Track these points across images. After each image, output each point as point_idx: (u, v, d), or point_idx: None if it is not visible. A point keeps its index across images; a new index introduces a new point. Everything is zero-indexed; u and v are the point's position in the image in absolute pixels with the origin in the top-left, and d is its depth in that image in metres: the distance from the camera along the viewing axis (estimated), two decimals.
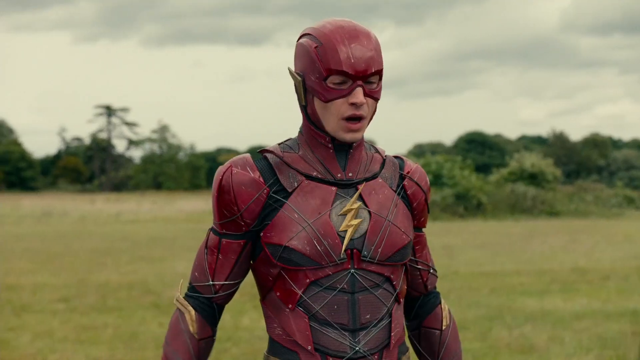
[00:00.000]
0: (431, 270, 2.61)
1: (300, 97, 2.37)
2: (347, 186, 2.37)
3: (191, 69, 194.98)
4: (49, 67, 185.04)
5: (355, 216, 2.34)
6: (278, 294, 2.37)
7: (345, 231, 2.32)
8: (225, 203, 2.37)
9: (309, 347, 2.33)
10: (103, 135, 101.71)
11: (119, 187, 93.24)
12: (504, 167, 47.98)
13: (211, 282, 2.43)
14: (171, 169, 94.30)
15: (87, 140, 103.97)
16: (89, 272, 16.26)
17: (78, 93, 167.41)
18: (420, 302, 2.64)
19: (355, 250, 2.33)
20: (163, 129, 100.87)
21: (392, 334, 2.38)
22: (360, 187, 2.37)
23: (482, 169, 66.47)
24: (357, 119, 2.30)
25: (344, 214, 2.33)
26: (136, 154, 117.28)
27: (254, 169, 2.36)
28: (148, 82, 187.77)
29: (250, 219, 2.36)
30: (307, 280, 2.32)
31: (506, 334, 9.68)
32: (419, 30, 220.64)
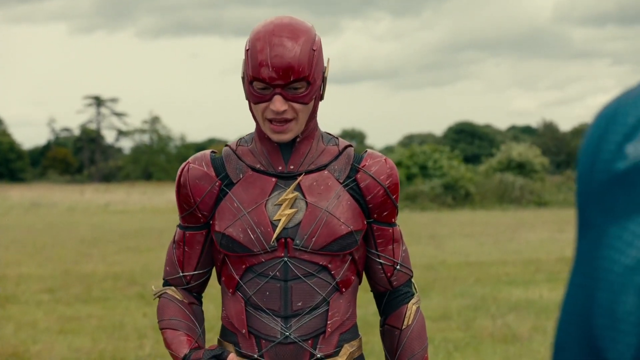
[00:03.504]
0: (397, 267, 2.60)
1: (244, 93, 2.45)
2: (289, 178, 2.45)
3: (186, 61, 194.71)
4: (43, 59, 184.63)
5: (291, 206, 2.42)
6: (223, 278, 2.52)
7: (279, 220, 2.41)
8: (183, 197, 2.53)
9: (244, 331, 2.45)
10: (92, 126, 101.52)
11: (108, 177, 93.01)
12: (493, 157, 48.01)
13: (181, 274, 2.59)
14: (161, 160, 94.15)
15: (76, 131, 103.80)
16: (75, 262, 16.24)
17: (71, 84, 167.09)
18: (387, 299, 2.66)
19: (289, 239, 2.41)
20: (153, 120, 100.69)
21: (328, 322, 2.45)
22: (299, 178, 2.44)
23: (472, 159, 66.52)
24: (282, 121, 2.36)
25: (280, 204, 2.42)
26: (126, 144, 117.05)
27: (208, 164, 2.50)
28: (142, 74, 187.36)
29: (206, 211, 2.49)
30: (243, 266, 2.44)
31: (490, 324, 9.69)
32: (415, 22, 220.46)
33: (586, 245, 0.88)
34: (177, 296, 2.58)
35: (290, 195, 2.42)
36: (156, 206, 40.66)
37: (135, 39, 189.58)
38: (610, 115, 0.91)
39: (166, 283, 2.63)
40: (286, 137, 2.38)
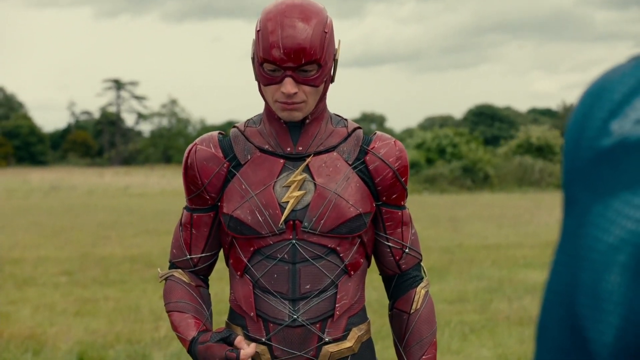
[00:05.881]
0: (406, 250, 2.57)
1: (254, 74, 2.41)
2: (297, 159, 2.41)
3: (210, 44, 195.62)
4: (66, 43, 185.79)
5: (300, 188, 2.39)
6: (231, 261, 2.49)
7: (288, 202, 2.37)
8: (190, 179, 2.49)
9: (252, 314, 2.42)
10: (112, 109, 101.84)
11: (128, 160, 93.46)
12: (512, 140, 47.88)
13: (189, 257, 2.56)
14: (180, 143, 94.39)
15: (96, 114, 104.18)
16: (94, 245, 16.31)
17: (92, 68, 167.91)
18: (396, 283, 2.63)
19: (297, 222, 2.38)
20: (172, 103, 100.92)
21: (337, 305, 2.42)
22: (308, 159, 2.40)
23: (492, 141, 66.38)
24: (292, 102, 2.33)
25: (288, 186, 2.39)
26: (146, 127, 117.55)
27: (216, 145, 2.46)
28: (164, 57, 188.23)
29: (214, 193, 2.46)
30: (252, 249, 2.41)
31: (506, 306, 9.68)
32: (439, 4, 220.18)
33: (571, 223, 0.87)
34: (184, 279, 2.55)
35: (299, 177, 2.38)
36: (175, 189, 40.75)
37: (160, 23, 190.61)
38: (596, 92, 0.89)
39: (172, 266, 2.60)
40: (298, 114, 2.35)
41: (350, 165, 2.44)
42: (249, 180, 2.40)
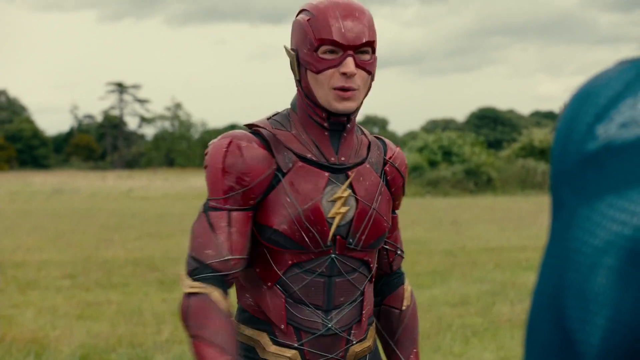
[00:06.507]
0: (398, 252, 2.65)
1: (294, 72, 2.35)
2: (338, 171, 2.35)
3: (213, 47, 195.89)
4: (70, 47, 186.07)
5: (344, 203, 2.35)
6: (258, 270, 2.37)
7: (333, 218, 2.33)
8: (234, 177, 2.28)
9: (282, 326, 2.35)
10: (115, 113, 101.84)
11: (131, 164, 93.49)
12: (515, 143, 47.85)
13: (230, 257, 2.26)
14: (183, 146, 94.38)
15: (99, 118, 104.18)
16: (96, 248, 16.29)
17: (96, 71, 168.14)
18: (384, 281, 2.69)
19: (338, 237, 2.34)
20: (176, 107, 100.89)
21: (363, 311, 2.46)
22: (352, 174, 2.36)
23: (494, 144, 66.32)
24: (349, 89, 2.26)
25: (334, 201, 2.33)
26: (148, 131, 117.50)
27: (261, 144, 2.32)
28: (167, 60, 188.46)
29: (259, 193, 2.31)
30: (290, 262, 2.33)
31: (508, 309, 9.66)
32: (443, 8, 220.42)
33: (558, 226, 0.88)
34: (221, 305, 2.23)
35: (346, 193, 2.34)
36: (178, 192, 40.75)
37: (164, 26, 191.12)
38: (583, 96, 0.90)
39: (207, 269, 2.26)
40: (352, 105, 2.27)
41: (379, 177, 2.45)
42: (295, 193, 2.30)
